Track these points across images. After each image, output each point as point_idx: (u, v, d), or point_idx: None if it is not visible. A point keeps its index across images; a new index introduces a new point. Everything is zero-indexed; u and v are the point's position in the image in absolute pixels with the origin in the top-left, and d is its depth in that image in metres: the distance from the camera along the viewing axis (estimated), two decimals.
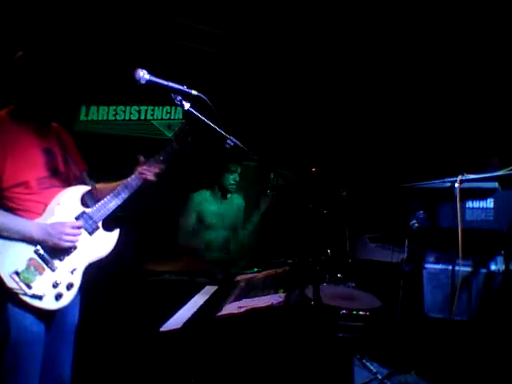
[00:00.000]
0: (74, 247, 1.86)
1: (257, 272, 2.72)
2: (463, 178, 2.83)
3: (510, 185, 2.86)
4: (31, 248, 1.75)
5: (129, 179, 2.04)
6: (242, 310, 2.18)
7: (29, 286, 1.71)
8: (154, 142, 4.47)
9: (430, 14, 3.99)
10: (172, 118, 4.66)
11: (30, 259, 1.74)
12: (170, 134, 4.63)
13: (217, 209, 3.38)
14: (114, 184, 2.09)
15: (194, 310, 2.28)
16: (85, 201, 1.97)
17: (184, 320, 2.17)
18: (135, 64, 1.69)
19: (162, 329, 2.14)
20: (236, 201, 3.52)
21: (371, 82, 4.78)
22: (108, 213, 1.97)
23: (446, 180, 2.91)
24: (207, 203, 3.36)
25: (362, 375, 2.91)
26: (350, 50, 4.56)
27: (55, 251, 1.79)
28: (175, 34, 4.21)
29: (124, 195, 2.01)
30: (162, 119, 4.62)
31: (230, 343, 2.23)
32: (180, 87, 1.70)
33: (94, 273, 1.98)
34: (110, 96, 4.29)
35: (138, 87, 1.65)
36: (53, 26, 3.52)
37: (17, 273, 1.69)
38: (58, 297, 1.77)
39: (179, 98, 1.71)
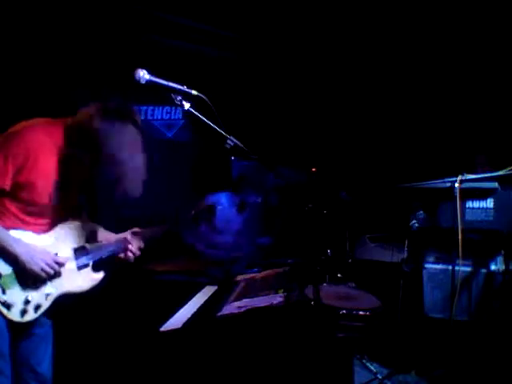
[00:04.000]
0: (59, 275, 1.85)
1: (257, 272, 2.72)
2: (463, 178, 2.83)
3: (510, 185, 2.86)
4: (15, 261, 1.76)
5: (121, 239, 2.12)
6: (242, 309, 2.18)
7: (3, 291, 1.71)
8: (154, 141, 4.47)
9: (429, 15, 3.99)
10: (172, 118, 4.66)
11: (14, 270, 1.74)
12: (170, 134, 4.63)
13: (227, 213, 3.38)
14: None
15: (194, 310, 2.27)
16: (89, 237, 2.02)
17: (184, 320, 2.17)
18: (135, 64, 1.69)
19: (162, 329, 2.14)
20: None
21: (371, 83, 4.78)
22: (103, 256, 2.02)
23: (445, 180, 2.91)
24: (220, 207, 3.35)
25: (362, 375, 2.91)
26: (351, 51, 4.56)
27: (33, 273, 1.77)
28: (175, 34, 4.21)
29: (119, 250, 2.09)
30: (161, 119, 4.62)
31: (230, 343, 2.23)
32: (180, 87, 1.70)
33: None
34: (109, 96, 4.29)
35: (138, 87, 1.65)
36: (54, 25, 3.52)
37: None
38: (23, 313, 1.76)
39: (179, 97, 1.71)
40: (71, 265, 1.91)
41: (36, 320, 1.86)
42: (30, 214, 1.80)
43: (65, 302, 1.92)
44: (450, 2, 3.84)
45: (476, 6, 3.78)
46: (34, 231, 1.82)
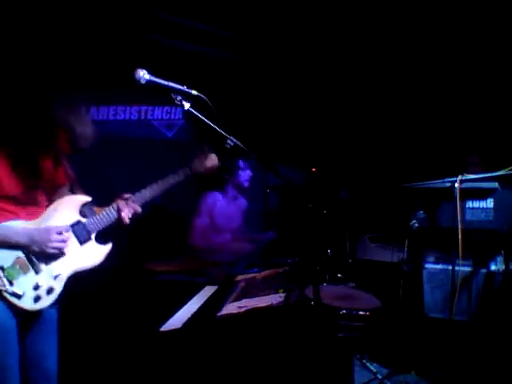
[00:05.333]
0: (63, 254, 1.86)
1: (257, 272, 2.72)
2: (463, 178, 2.83)
3: (510, 185, 2.86)
4: (19, 249, 1.77)
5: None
6: (242, 310, 2.18)
7: (11, 283, 1.73)
8: (154, 141, 4.46)
9: (429, 16, 3.99)
10: (172, 118, 4.65)
11: (18, 257, 1.76)
12: (170, 134, 4.63)
13: (226, 210, 3.38)
14: None
15: (194, 309, 2.28)
16: (83, 211, 1.97)
17: (184, 320, 2.17)
18: (135, 64, 1.69)
19: (162, 328, 2.14)
20: (240, 201, 3.52)
21: (371, 83, 4.78)
22: (103, 226, 1.98)
23: (445, 180, 2.91)
24: (218, 204, 3.36)
25: (362, 375, 2.91)
26: (351, 51, 4.56)
27: (43, 255, 1.80)
28: (175, 34, 4.21)
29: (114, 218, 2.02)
30: (161, 119, 4.62)
31: (230, 343, 2.23)
32: (180, 87, 1.70)
33: (95, 272, 1.98)
34: (109, 96, 4.29)
35: (138, 87, 1.65)
36: (54, 25, 3.52)
37: (1, 268, 1.72)
38: (37, 299, 1.78)
39: (179, 97, 1.72)
40: (73, 242, 1.90)
41: (44, 315, 1.87)
42: (15, 203, 1.80)
43: (78, 283, 1.91)
44: (446, 5, 3.84)
45: (472, 9, 3.78)
46: (27, 219, 1.82)
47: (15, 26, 3.35)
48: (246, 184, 3.40)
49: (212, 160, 2.30)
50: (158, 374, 2.44)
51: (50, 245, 1.79)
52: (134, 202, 2.03)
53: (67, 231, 1.87)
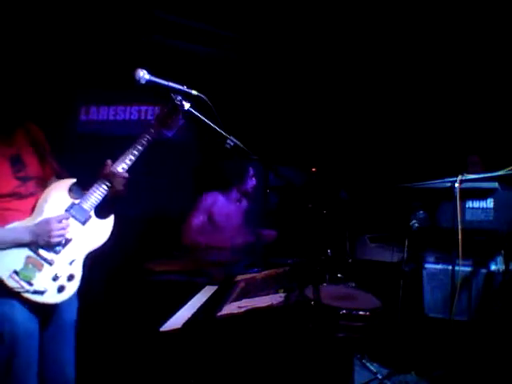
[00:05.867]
0: (69, 239, 1.86)
1: (257, 272, 2.72)
2: (463, 178, 2.83)
3: (510, 185, 2.86)
4: (26, 247, 1.77)
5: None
6: (242, 309, 2.18)
7: (30, 283, 1.73)
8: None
9: (429, 16, 3.99)
10: None
11: (28, 257, 1.76)
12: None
13: (226, 209, 3.38)
14: None
15: (194, 309, 2.27)
16: (73, 193, 1.96)
17: (184, 320, 2.17)
18: (135, 64, 1.69)
19: (162, 328, 2.14)
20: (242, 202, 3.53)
21: (371, 83, 4.78)
22: (98, 200, 1.95)
23: (445, 180, 2.91)
24: (219, 204, 3.36)
25: (362, 375, 2.91)
26: (351, 51, 4.56)
27: (50, 246, 1.80)
28: (175, 34, 4.21)
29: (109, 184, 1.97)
30: None
31: (230, 343, 2.24)
32: (180, 87, 1.70)
33: (95, 272, 1.98)
34: (110, 96, 4.29)
35: (138, 87, 1.65)
36: (54, 25, 3.52)
37: (16, 272, 1.71)
38: (61, 289, 1.79)
39: (179, 97, 1.72)
40: (75, 225, 1.89)
41: (62, 320, 1.90)
42: (12, 201, 1.82)
43: (96, 261, 1.92)
44: (445, 5, 3.84)
45: (472, 8, 3.78)
46: (20, 219, 1.82)
47: (15, 26, 3.35)
48: (251, 191, 3.44)
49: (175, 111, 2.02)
50: (158, 374, 2.44)
51: (53, 234, 1.79)
52: (117, 170, 1.97)
53: (67, 218, 1.86)
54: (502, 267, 2.87)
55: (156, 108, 4.57)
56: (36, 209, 1.87)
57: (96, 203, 1.95)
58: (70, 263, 1.84)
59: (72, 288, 1.83)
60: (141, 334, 2.67)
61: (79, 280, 1.86)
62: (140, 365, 2.64)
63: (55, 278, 1.78)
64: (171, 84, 1.69)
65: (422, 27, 4.13)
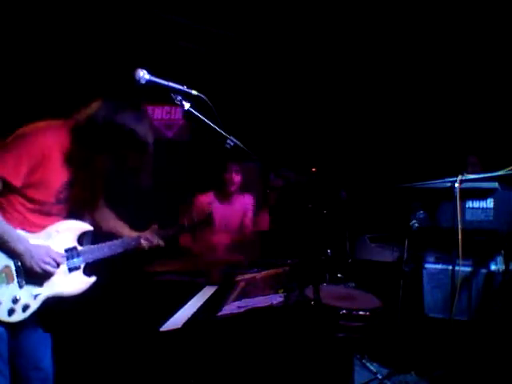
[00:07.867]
0: (49, 276, 1.85)
1: (257, 272, 2.72)
2: (463, 178, 2.83)
3: (509, 185, 2.86)
4: (13, 258, 1.77)
5: (129, 238, 2.14)
6: (242, 309, 2.18)
7: None
8: (153, 141, 4.46)
9: (429, 16, 4.00)
10: (172, 118, 4.65)
11: (7, 266, 1.75)
12: (170, 134, 4.63)
13: (222, 211, 3.38)
14: (117, 223, 2.20)
15: (194, 310, 2.27)
16: (81, 238, 1.99)
17: (184, 320, 2.17)
18: (135, 64, 1.69)
19: (162, 328, 2.14)
20: (241, 201, 3.52)
21: (371, 83, 4.78)
22: (95, 259, 2.00)
23: (446, 180, 2.91)
24: (214, 206, 3.35)
25: (362, 375, 2.91)
26: (350, 52, 4.56)
27: (31, 271, 1.79)
28: (175, 34, 4.21)
29: (118, 250, 2.07)
30: (161, 119, 4.62)
31: (230, 343, 2.23)
32: (180, 87, 1.70)
33: (95, 272, 1.98)
34: (110, 96, 4.29)
35: (138, 87, 1.65)
36: (54, 25, 3.52)
37: None
38: (11, 312, 1.76)
39: (179, 97, 1.71)
40: (63, 266, 1.90)
41: (31, 321, 1.87)
42: (37, 212, 1.83)
43: (54, 307, 1.91)
44: (445, 5, 3.85)
45: (472, 8, 3.78)
46: (30, 230, 1.83)
47: (15, 26, 3.36)
48: (233, 189, 3.43)
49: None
50: (158, 374, 2.44)
51: (42, 264, 1.79)
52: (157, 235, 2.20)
53: (62, 260, 1.88)
54: (501, 267, 2.87)
55: (156, 108, 4.58)
56: (46, 230, 1.88)
57: (92, 260, 1.99)
58: (35, 296, 1.82)
59: (20, 317, 1.79)
60: (141, 333, 2.67)
61: (30, 314, 1.82)
62: (140, 365, 2.64)
63: (14, 301, 1.76)
64: (171, 84, 1.69)
65: (422, 27, 4.13)
